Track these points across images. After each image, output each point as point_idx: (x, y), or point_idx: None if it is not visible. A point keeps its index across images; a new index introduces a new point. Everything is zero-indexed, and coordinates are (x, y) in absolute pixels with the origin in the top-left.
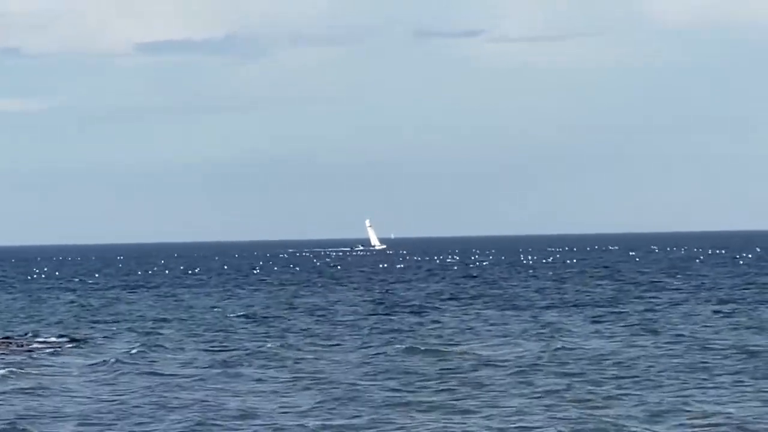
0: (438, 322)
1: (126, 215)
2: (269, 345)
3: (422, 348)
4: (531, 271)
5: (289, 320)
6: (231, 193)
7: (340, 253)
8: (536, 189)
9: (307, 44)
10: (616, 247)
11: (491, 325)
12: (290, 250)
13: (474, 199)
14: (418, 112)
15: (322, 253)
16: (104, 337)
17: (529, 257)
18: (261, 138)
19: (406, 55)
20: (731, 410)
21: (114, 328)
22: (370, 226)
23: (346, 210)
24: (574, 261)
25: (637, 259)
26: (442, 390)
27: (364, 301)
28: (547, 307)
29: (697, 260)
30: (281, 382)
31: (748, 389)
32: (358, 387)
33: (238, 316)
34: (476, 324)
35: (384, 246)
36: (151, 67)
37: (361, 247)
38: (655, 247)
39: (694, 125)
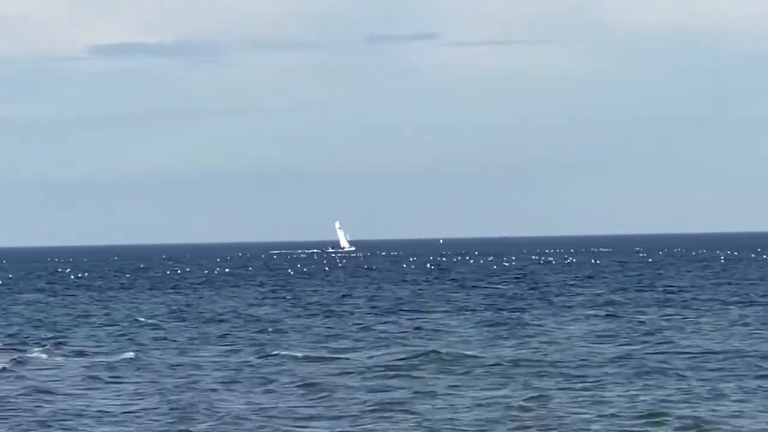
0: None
1: (78, 221)
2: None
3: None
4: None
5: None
6: (185, 199)
7: (314, 255)
8: (492, 193)
9: (260, 49)
10: (610, 249)
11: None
12: (273, 252)
13: (435, 201)
14: (372, 116)
15: (296, 255)
16: None
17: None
18: (215, 144)
19: (359, 59)
20: None
21: None
22: (339, 229)
23: (308, 214)
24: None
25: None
26: None
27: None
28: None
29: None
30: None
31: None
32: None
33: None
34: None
35: (353, 248)
36: (104, 71)
37: (332, 249)
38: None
39: (652, 129)
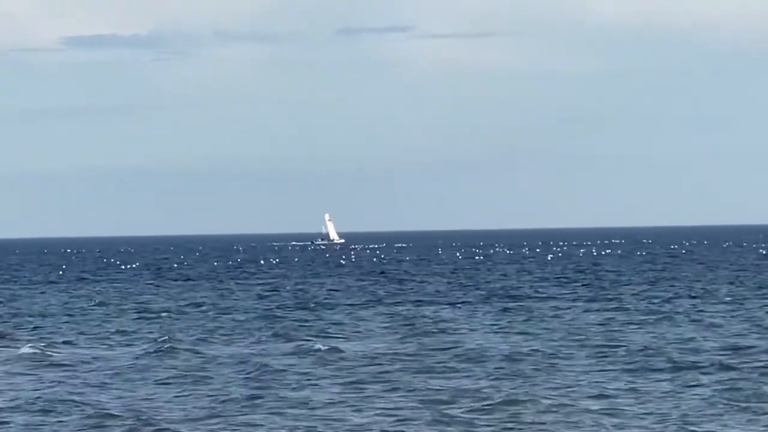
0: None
1: (51, 214)
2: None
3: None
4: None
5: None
6: (158, 192)
7: (297, 247)
8: (461, 186)
9: (233, 42)
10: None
11: None
12: (251, 244)
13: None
14: (345, 107)
15: (289, 247)
16: None
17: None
18: (185, 137)
19: (332, 52)
20: None
21: None
22: (329, 221)
23: (282, 206)
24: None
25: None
26: None
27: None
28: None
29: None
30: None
31: None
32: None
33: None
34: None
35: (343, 240)
36: (77, 62)
37: (321, 240)
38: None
39: (618, 125)
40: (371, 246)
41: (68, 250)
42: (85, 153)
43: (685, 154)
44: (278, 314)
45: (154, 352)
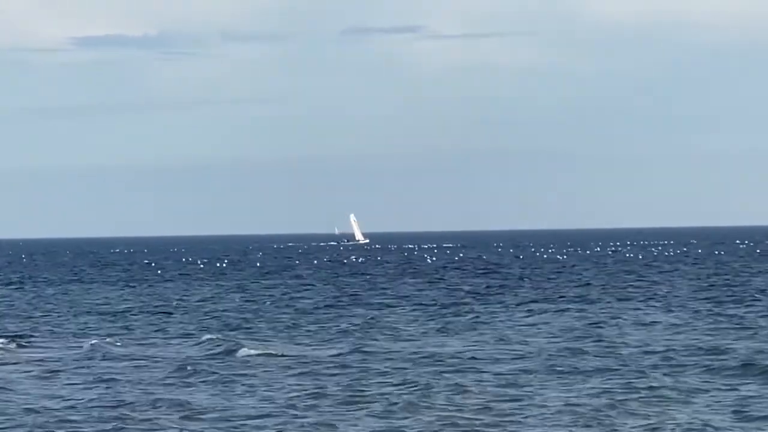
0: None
1: (62, 213)
2: None
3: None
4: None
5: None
6: (167, 193)
7: (327, 247)
8: (473, 186)
9: (240, 41)
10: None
11: None
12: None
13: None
14: (351, 108)
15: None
16: None
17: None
18: (191, 136)
19: (339, 52)
20: None
21: None
22: (354, 221)
23: (294, 205)
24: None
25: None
26: None
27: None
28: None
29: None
30: None
31: None
32: None
33: None
34: None
35: (368, 240)
36: (85, 62)
37: (347, 241)
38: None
39: (627, 125)
40: (408, 246)
41: (130, 250)
42: (92, 152)
43: (683, 155)
44: None
45: None
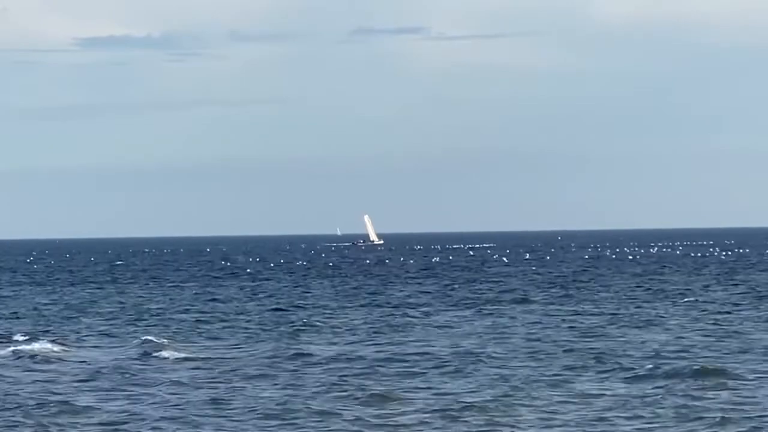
0: None
1: (65, 214)
2: None
3: None
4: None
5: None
6: (172, 191)
7: (343, 247)
8: (477, 188)
9: (246, 41)
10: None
11: None
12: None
13: (422, 196)
14: (356, 108)
15: (333, 247)
16: None
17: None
18: (201, 136)
19: (345, 52)
20: None
21: None
22: (369, 222)
23: (299, 206)
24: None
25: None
26: None
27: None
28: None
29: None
30: None
31: None
32: None
33: None
34: None
35: (382, 241)
36: (89, 63)
37: (362, 242)
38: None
39: (631, 125)
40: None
41: (168, 250)
42: (97, 153)
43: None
44: None
45: None
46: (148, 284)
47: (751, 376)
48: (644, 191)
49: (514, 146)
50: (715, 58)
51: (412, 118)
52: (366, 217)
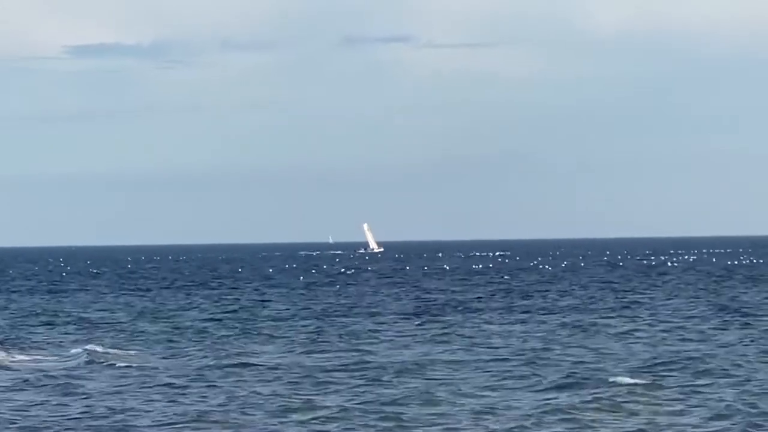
0: None
1: (63, 221)
2: None
3: None
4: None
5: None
6: (165, 201)
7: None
8: (464, 194)
9: (235, 50)
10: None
11: None
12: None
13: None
14: (345, 117)
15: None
16: None
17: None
18: (190, 145)
19: (334, 61)
20: None
21: None
22: (368, 230)
23: (286, 214)
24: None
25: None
26: None
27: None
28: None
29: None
30: None
31: None
32: None
33: None
34: None
35: (382, 248)
36: (80, 71)
37: (363, 250)
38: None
39: (627, 130)
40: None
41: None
42: (88, 160)
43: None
44: None
45: None
46: (104, 293)
47: None
48: (645, 195)
49: (513, 150)
50: (715, 61)
51: (402, 125)
52: (365, 226)
